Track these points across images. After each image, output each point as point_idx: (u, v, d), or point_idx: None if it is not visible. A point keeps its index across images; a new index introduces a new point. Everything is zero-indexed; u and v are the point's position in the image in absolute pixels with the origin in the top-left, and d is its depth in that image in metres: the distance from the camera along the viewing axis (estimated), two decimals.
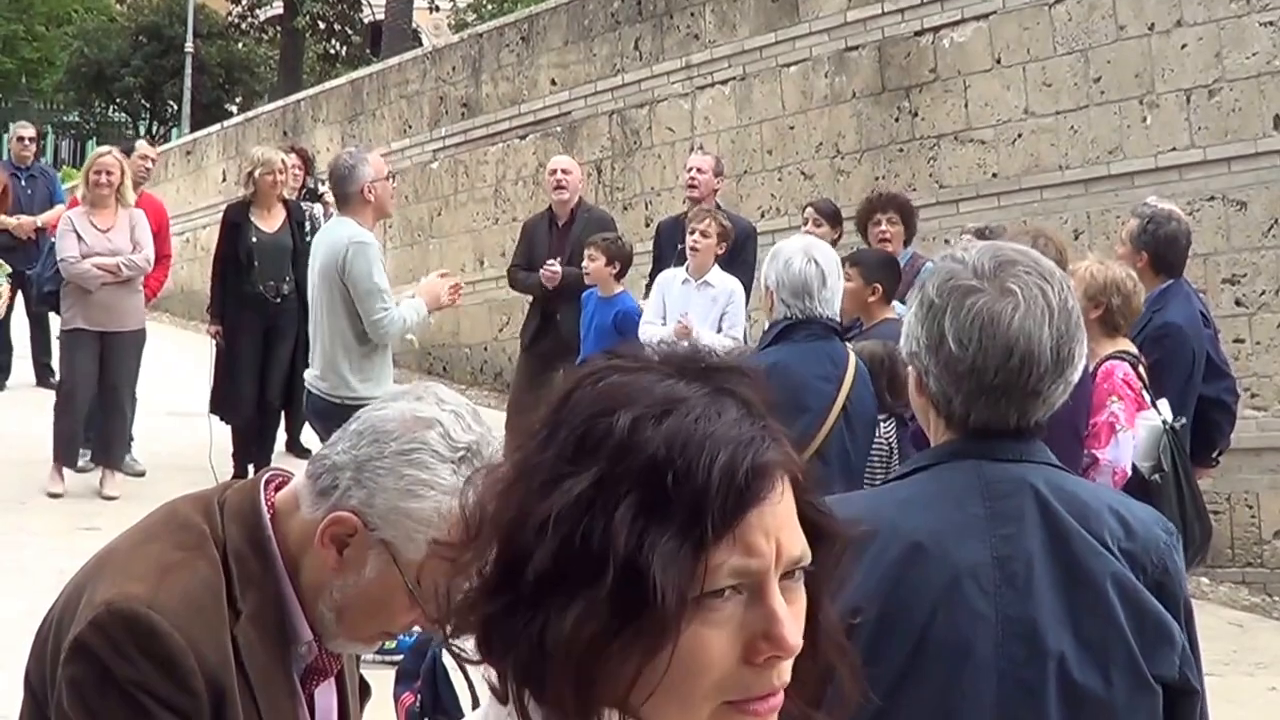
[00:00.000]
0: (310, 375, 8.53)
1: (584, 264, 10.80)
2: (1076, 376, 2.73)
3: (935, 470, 2.75)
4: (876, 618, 2.55)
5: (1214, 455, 8.24)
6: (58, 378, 12.77)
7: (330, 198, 13.40)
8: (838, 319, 6.19)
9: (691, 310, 10.03)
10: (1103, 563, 2.62)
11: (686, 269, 10.19)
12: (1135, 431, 6.61)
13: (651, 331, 10.27)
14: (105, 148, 13.06)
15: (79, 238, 11.38)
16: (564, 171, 11.95)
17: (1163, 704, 2.64)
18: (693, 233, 10.08)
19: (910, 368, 2.83)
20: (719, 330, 9.96)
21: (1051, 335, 2.65)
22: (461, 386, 17.27)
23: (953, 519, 2.65)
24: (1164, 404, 6.84)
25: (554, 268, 11.45)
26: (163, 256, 12.82)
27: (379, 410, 2.55)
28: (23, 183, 15.01)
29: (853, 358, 6.10)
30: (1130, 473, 6.55)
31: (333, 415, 8.15)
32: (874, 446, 6.56)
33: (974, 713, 2.58)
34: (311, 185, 13.75)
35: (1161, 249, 7.74)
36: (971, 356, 2.66)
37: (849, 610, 2.57)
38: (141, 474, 11.91)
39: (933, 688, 2.58)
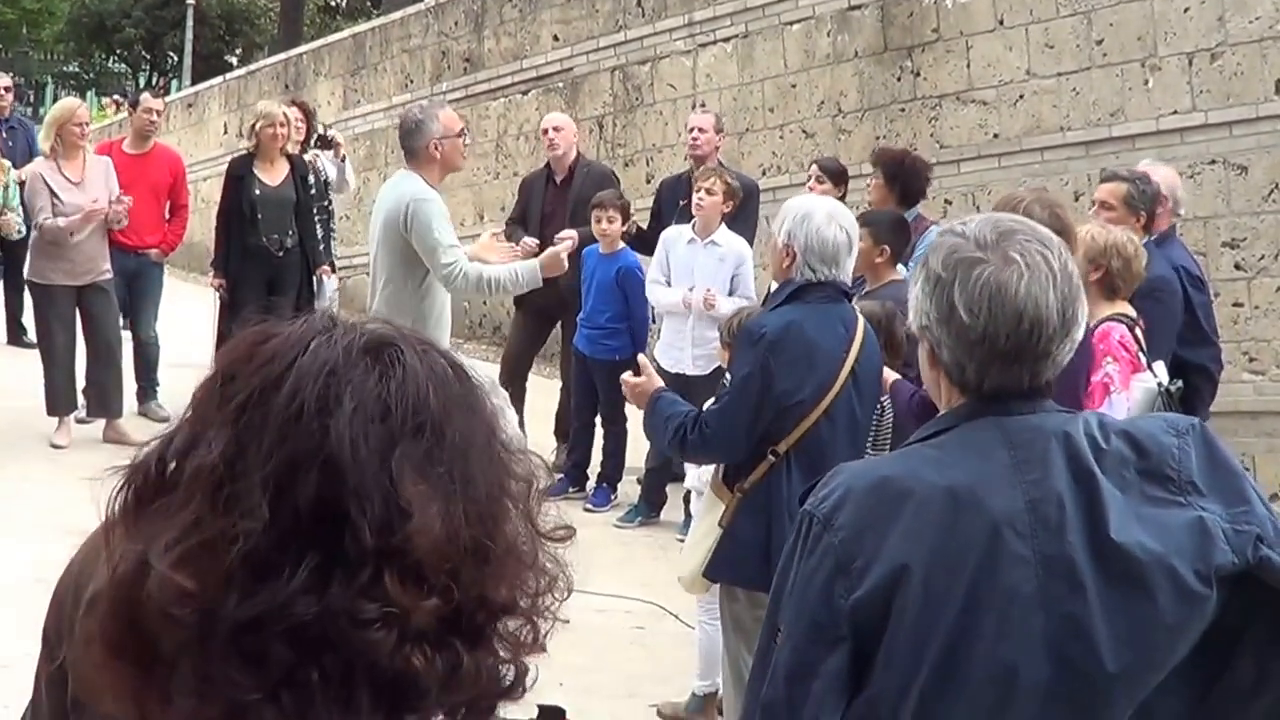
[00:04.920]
0: None
1: (600, 225, 10.78)
2: (1080, 334, 2.82)
3: (957, 430, 2.83)
4: (925, 572, 2.65)
5: None
6: (32, 336, 12.78)
7: (341, 140, 13.52)
8: (850, 284, 6.23)
9: (698, 270, 10.07)
10: (1126, 498, 2.69)
11: (693, 227, 10.21)
12: (1130, 393, 6.64)
13: (658, 292, 10.32)
14: (73, 99, 13.03)
15: (52, 193, 11.35)
16: (555, 129, 11.93)
17: (1237, 584, 2.67)
18: (698, 191, 10.09)
19: (922, 341, 2.90)
20: (731, 292, 9.99)
21: (1057, 298, 2.75)
22: (459, 341, 17.31)
23: (983, 471, 2.72)
24: (1160, 366, 6.87)
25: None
26: (180, 207, 12.86)
27: None
28: (3, 134, 14.79)
29: (861, 320, 6.14)
30: None
31: None
32: None
33: (1028, 653, 2.64)
34: (320, 132, 13.72)
35: (1153, 207, 7.81)
36: (983, 325, 2.75)
37: (896, 566, 2.65)
38: (166, 420, 11.99)
39: (986, 630, 2.65)
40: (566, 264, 8.57)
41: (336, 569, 1.39)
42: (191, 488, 1.44)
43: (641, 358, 6.64)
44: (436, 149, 8.12)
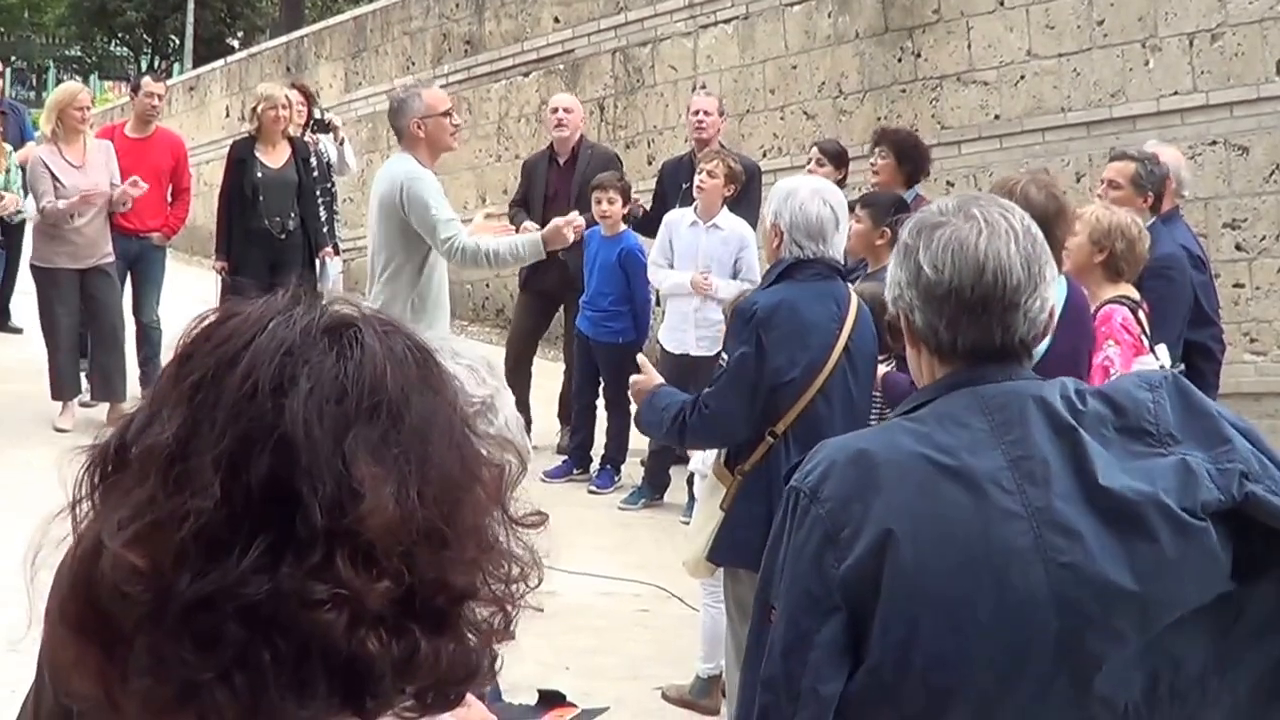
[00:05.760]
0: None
1: (600, 206, 10.80)
2: (1052, 294, 2.89)
3: (933, 403, 2.87)
4: (912, 536, 2.68)
5: None
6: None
7: (339, 124, 13.56)
8: (841, 261, 6.25)
9: (701, 253, 10.08)
10: (1107, 452, 2.72)
11: (695, 210, 10.22)
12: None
13: (660, 274, 10.35)
14: (75, 83, 13.05)
15: (54, 178, 11.39)
16: (565, 110, 11.95)
17: (1235, 523, 2.68)
18: (699, 173, 10.11)
19: (900, 318, 2.96)
20: (734, 275, 10.00)
21: (1019, 251, 2.84)
22: (463, 323, 17.34)
23: (961, 436, 2.76)
24: (1163, 349, 6.86)
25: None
26: (182, 191, 12.85)
27: None
28: None
29: (854, 298, 6.15)
30: None
31: None
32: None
33: (1034, 607, 2.66)
34: (318, 116, 13.78)
35: (1160, 188, 7.83)
36: (948, 279, 2.82)
37: (882, 532, 2.68)
38: None
39: (986, 589, 2.67)
40: (571, 237, 8.62)
41: (288, 550, 1.39)
42: (145, 466, 1.44)
43: (641, 357, 6.69)
44: (420, 127, 8.15)
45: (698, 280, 9.97)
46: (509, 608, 1.54)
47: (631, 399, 6.66)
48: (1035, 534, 2.67)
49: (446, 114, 8.29)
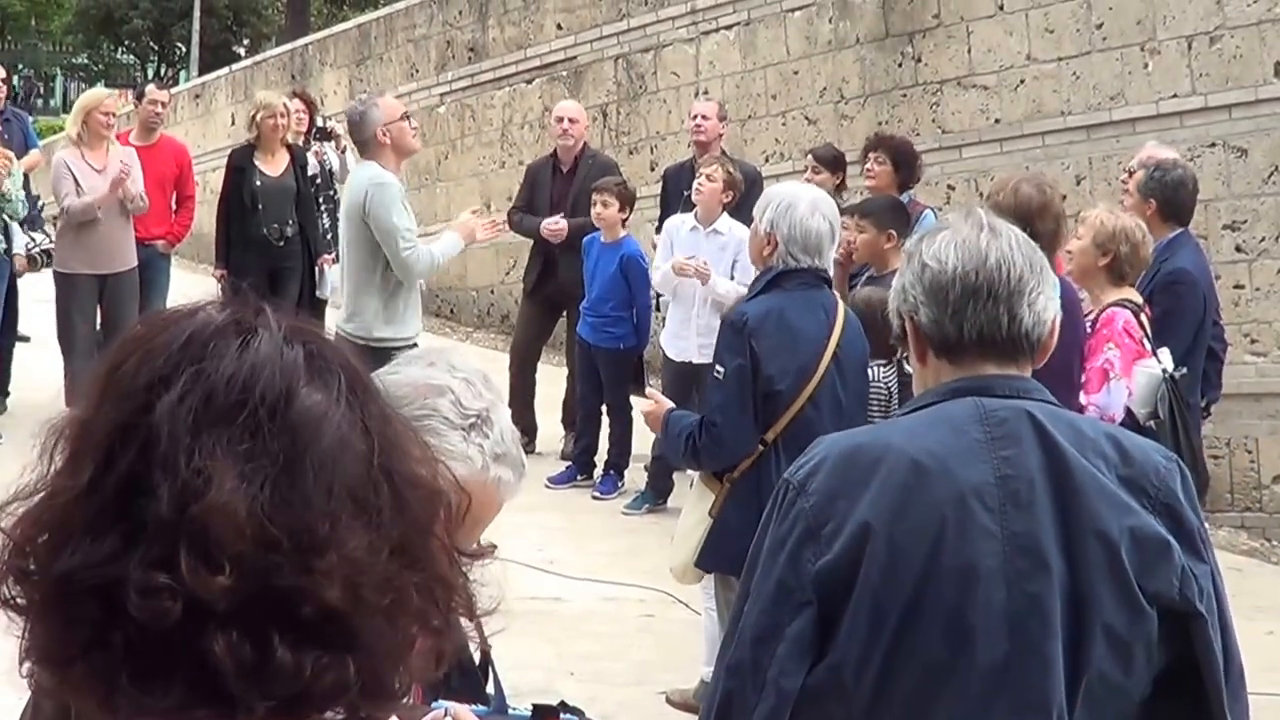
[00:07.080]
0: (338, 317, 8.61)
1: (596, 209, 10.84)
2: (1055, 303, 2.94)
3: (936, 406, 2.90)
4: (888, 536, 2.72)
5: (1205, 405, 8.26)
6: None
7: (341, 131, 13.63)
8: (830, 272, 6.29)
9: (701, 258, 10.08)
10: (1098, 485, 2.75)
11: (695, 215, 10.23)
12: (1132, 380, 6.65)
13: (654, 274, 10.36)
14: (104, 89, 13.10)
15: (76, 182, 11.44)
16: (571, 120, 11.98)
17: (1173, 630, 2.76)
18: (698, 177, 10.13)
19: (906, 325, 2.99)
20: (732, 277, 10.00)
21: (1021, 251, 2.90)
22: (468, 329, 17.40)
23: (955, 443, 2.80)
24: (1165, 353, 6.87)
25: (558, 224, 11.49)
26: (186, 198, 12.89)
27: (391, 375, 2.59)
28: None
29: (842, 306, 6.19)
30: (1122, 419, 6.58)
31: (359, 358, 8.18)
32: (874, 391, 6.64)
33: (987, 623, 2.71)
34: (320, 124, 13.83)
35: (1169, 194, 7.80)
36: (951, 266, 2.87)
37: (861, 527, 2.72)
38: None
39: (947, 601, 2.72)
40: (478, 233, 8.84)
41: (141, 538, 1.41)
42: (43, 452, 1.51)
43: (650, 390, 6.74)
44: (385, 135, 8.32)
45: (678, 262, 9.92)
46: (443, 633, 1.54)
47: (649, 427, 6.75)
48: (1005, 556, 2.71)
49: (405, 117, 8.54)
